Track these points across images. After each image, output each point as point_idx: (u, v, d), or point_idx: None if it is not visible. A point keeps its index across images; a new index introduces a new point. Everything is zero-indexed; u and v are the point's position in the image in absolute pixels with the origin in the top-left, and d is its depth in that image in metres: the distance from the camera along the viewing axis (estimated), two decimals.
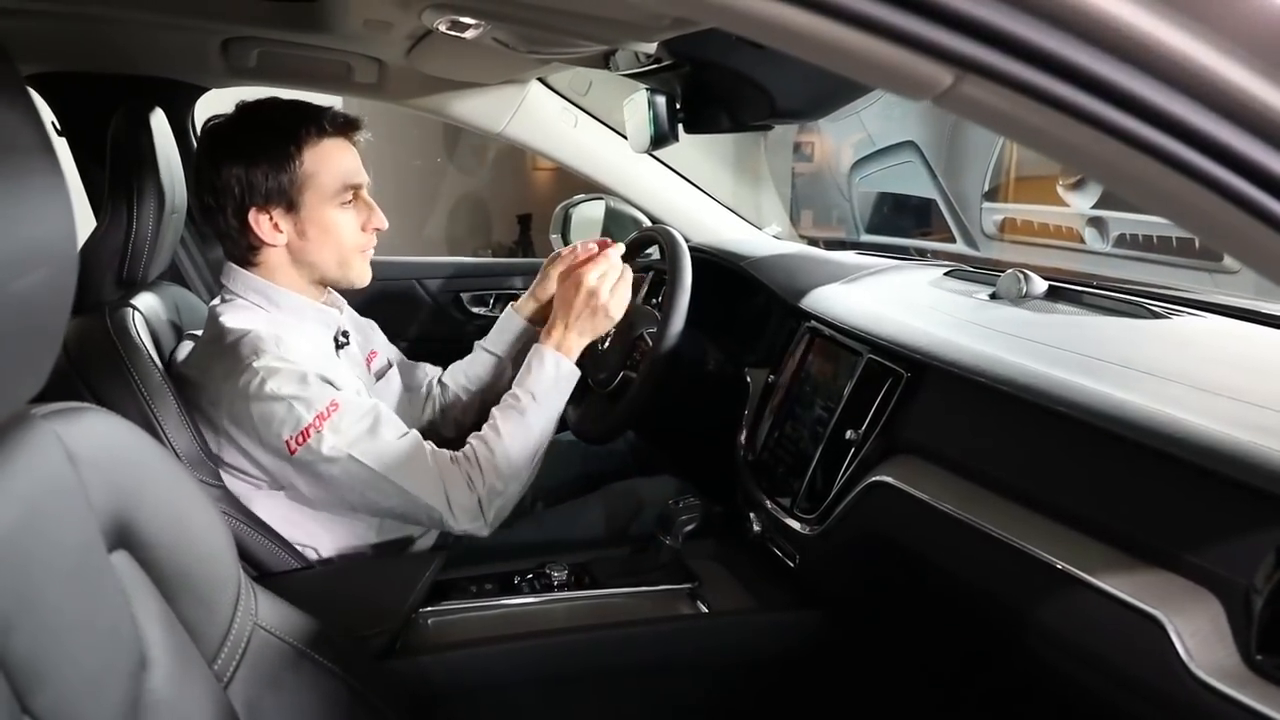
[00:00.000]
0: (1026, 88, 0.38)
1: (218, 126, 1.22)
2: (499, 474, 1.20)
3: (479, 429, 1.29)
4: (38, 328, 0.53)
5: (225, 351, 1.15)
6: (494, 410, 1.28)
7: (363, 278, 1.28)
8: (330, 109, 1.23)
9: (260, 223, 1.19)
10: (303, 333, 1.22)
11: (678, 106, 1.20)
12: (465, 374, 1.56)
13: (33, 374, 0.53)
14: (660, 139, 1.22)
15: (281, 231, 1.21)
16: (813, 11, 0.38)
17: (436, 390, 1.56)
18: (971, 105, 0.40)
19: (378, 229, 1.26)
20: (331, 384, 1.15)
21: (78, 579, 0.58)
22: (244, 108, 1.22)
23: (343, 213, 1.22)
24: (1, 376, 0.49)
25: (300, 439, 1.11)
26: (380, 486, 1.13)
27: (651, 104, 1.19)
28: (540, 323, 1.44)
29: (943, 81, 0.39)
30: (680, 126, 1.22)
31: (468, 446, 1.23)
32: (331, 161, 1.20)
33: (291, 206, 1.20)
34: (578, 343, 1.31)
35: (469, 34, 0.97)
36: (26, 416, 0.61)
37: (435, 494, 1.15)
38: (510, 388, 1.36)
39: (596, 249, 1.38)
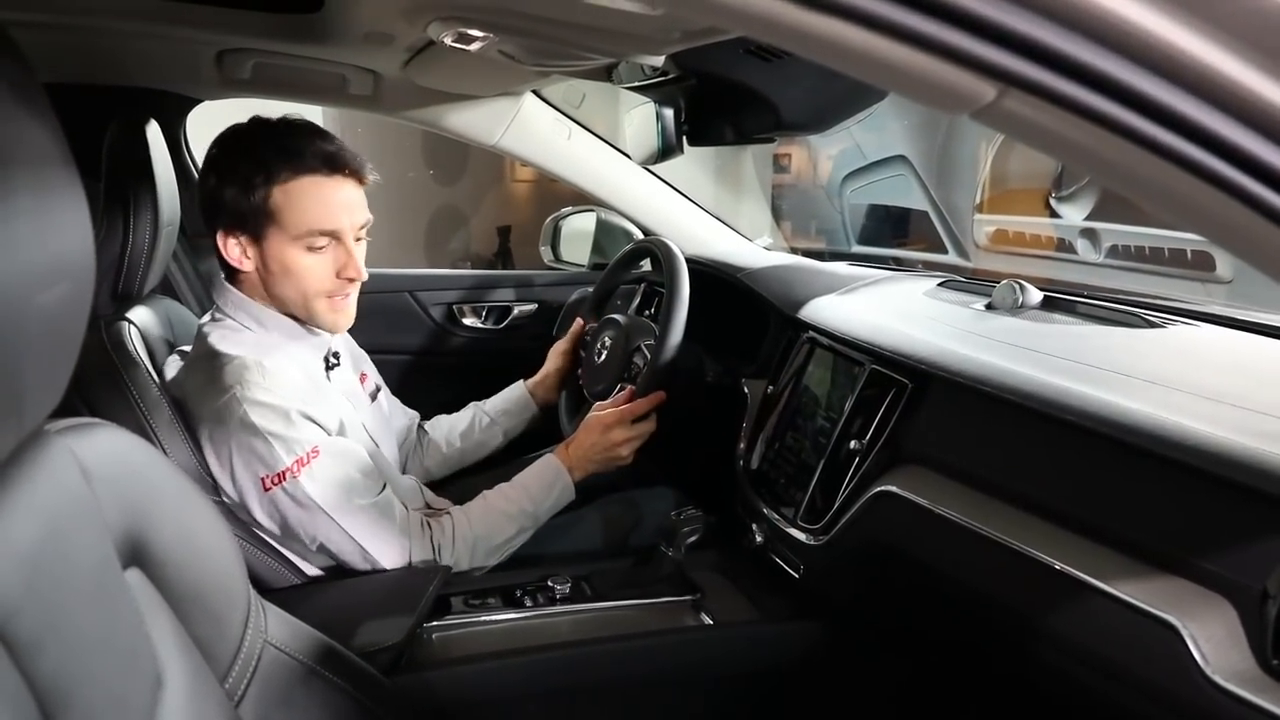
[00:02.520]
0: (1070, 103, 0.38)
1: (224, 134, 1.19)
2: (470, 555, 1.24)
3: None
4: (59, 341, 0.52)
5: (210, 375, 1.14)
6: (488, 494, 1.31)
7: (332, 325, 1.22)
8: (320, 147, 1.15)
9: (228, 245, 1.17)
10: (290, 356, 1.19)
11: (681, 119, 1.21)
12: (452, 428, 1.60)
13: (54, 388, 0.53)
14: (667, 151, 1.23)
15: (249, 258, 1.17)
16: (855, 24, 0.38)
17: (414, 437, 1.58)
18: (1012, 120, 0.41)
19: (351, 279, 1.19)
20: (315, 422, 1.15)
21: (97, 598, 0.57)
22: (253, 121, 1.19)
23: (310, 256, 1.16)
24: (29, 390, 0.48)
25: (276, 480, 1.11)
26: (343, 546, 1.15)
27: (660, 116, 1.20)
28: (546, 401, 1.63)
29: (985, 96, 0.40)
30: (684, 139, 1.23)
31: (448, 518, 1.25)
32: (303, 202, 1.13)
33: (256, 237, 1.16)
34: (586, 470, 1.36)
35: (474, 46, 0.97)
36: (41, 432, 0.60)
37: (395, 558, 1.18)
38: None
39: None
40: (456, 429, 1.60)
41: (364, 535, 1.15)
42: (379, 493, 1.19)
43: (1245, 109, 0.37)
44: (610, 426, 1.34)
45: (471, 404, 1.64)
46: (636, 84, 1.17)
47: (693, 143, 1.22)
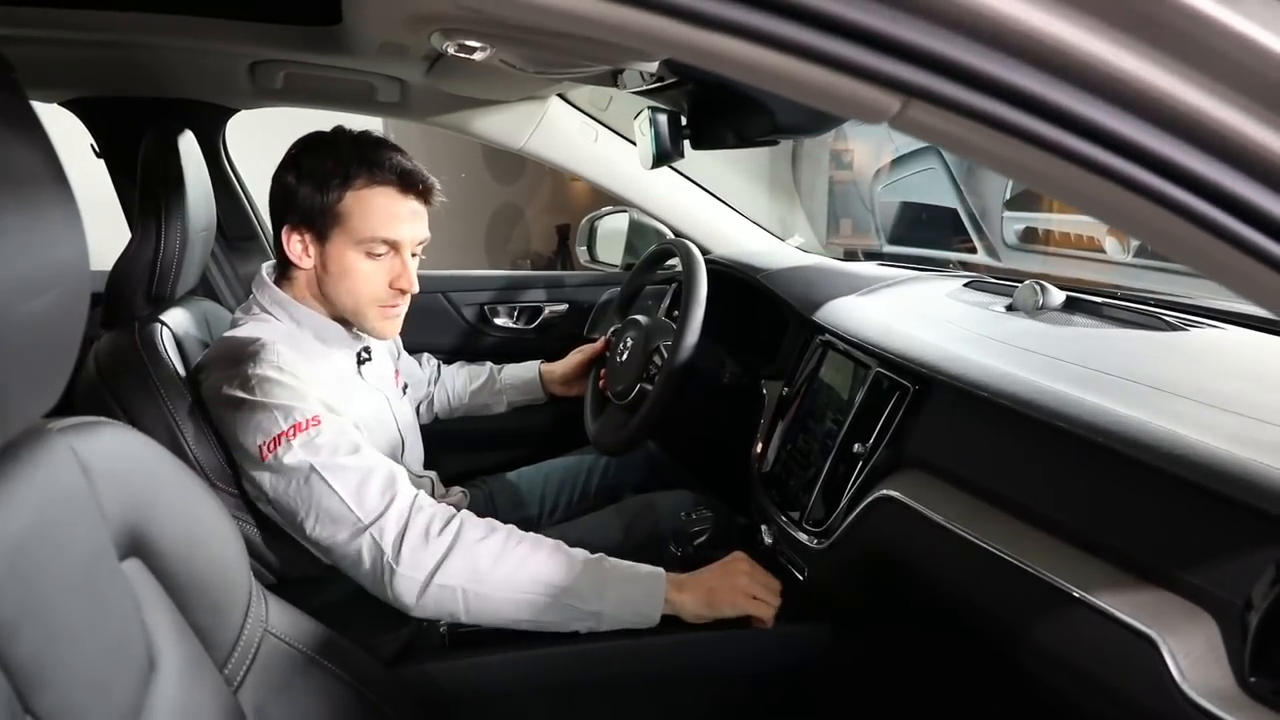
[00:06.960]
0: (969, 111, 0.38)
1: (307, 137, 1.25)
2: (468, 577, 1.03)
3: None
4: (51, 346, 0.55)
5: (227, 355, 1.17)
6: (539, 539, 1.08)
7: (380, 332, 1.28)
8: (398, 162, 1.20)
9: (291, 241, 1.22)
10: (319, 353, 1.23)
11: (684, 123, 1.22)
12: (467, 383, 1.72)
13: (46, 390, 0.56)
14: (663, 156, 1.24)
15: (309, 256, 1.23)
16: (760, 45, 0.39)
17: (434, 373, 1.72)
18: (922, 128, 0.41)
19: (403, 290, 1.24)
20: (325, 403, 1.12)
21: (86, 586, 0.61)
22: (336, 129, 1.24)
23: (368, 261, 1.21)
24: (15, 392, 0.52)
25: (272, 445, 1.07)
26: (335, 510, 1.04)
27: (653, 122, 1.21)
28: (554, 392, 1.71)
29: (890, 107, 0.40)
30: (686, 143, 1.24)
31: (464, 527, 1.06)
32: (372, 209, 1.19)
33: (320, 236, 1.21)
34: (687, 602, 1.11)
35: (477, 56, 0.99)
36: (43, 431, 0.64)
37: (379, 515, 1.04)
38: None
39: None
40: (470, 386, 1.71)
41: (353, 497, 1.05)
42: (378, 463, 1.08)
43: (1149, 107, 0.37)
44: (745, 572, 1.14)
45: (489, 365, 1.75)
46: (640, 89, 1.18)
47: (696, 146, 1.23)
